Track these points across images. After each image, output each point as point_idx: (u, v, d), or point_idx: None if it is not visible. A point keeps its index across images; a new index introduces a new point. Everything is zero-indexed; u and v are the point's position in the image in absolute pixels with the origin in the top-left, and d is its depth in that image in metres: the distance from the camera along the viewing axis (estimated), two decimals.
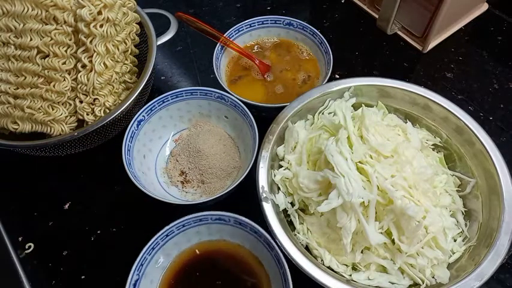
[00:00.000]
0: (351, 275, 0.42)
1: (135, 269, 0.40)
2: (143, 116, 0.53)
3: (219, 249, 0.45)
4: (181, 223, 0.42)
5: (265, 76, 0.62)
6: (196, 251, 0.45)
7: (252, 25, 0.64)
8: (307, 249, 0.44)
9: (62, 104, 0.50)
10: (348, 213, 0.40)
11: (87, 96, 0.51)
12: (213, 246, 0.45)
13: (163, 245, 0.42)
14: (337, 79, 0.52)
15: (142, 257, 0.40)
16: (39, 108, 0.49)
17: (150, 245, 0.41)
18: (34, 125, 0.50)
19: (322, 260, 0.43)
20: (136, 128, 0.52)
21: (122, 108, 0.51)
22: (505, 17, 0.72)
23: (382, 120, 0.49)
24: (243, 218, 0.42)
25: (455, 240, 0.45)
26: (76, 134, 0.49)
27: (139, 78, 0.53)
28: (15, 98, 0.50)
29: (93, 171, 0.58)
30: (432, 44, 0.68)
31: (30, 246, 0.52)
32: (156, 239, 0.41)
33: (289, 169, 0.47)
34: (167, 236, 0.42)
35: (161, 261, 0.43)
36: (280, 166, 0.48)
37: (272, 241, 0.40)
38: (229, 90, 0.55)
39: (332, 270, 0.42)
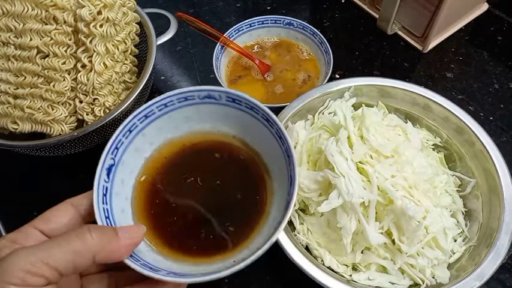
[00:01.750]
0: (351, 275, 0.42)
1: (108, 151, 0.32)
2: None
3: (213, 141, 0.37)
4: (163, 101, 0.35)
5: (265, 76, 0.62)
6: (186, 143, 0.37)
7: (252, 25, 0.64)
8: (307, 250, 0.44)
9: (62, 104, 0.50)
10: (348, 214, 0.40)
11: (86, 96, 0.51)
12: (206, 137, 0.37)
13: (143, 128, 0.34)
14: (337, 79, 0.52)
15: (116, 138, 0.33)
16: (39, 108, 0.49)
17: (126, 126, 0.33)
18: (34, 125, 0.50)
19: (322, 261, 0.43)
20: None
21: (122, 108, 0.51)
22: (505, 17, 0.72)
23: (383, 120, 0.49)
24: (237, 92, 0.35)
25: (455, 241, 0.45)
26: (76, 134, 0.49)
27: (139, 78, 0.53)
28: (15, 98, 0.50)
29: (93, 171, 0.58)
30: (432, 44, 0.68)
31: None
32: (132, 118, 0.33)
33: None
34: (146, 117, 0.34)
35: (143, 148, 0.35)
36: None
37: (272, 116, 0.33)
38: None
39: (332, 270, 0.42)
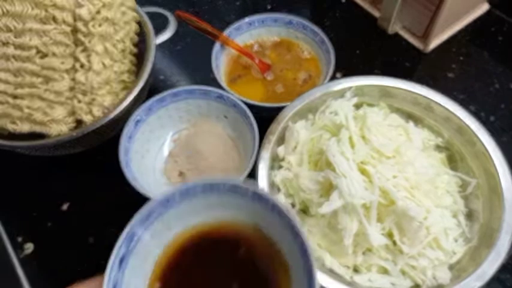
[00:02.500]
0: (352, 277, 0.42)
1: (124, 240, 0.29)
2: (141, 116, 0.53)
3: (233, 230, 0.35)
4: (185, 188, 0.32)
5: (265, 75, 0.62)
6: (205, 230, 0.35)
7: (252, 24, 0.63)
8: None
9: (61, 104, 0.50)
10: (350, 215, 0.40)
11: (85, 95, 0.50)
12: (225, 226, 0.35)
13: (161, 213, 0.32)
14: (338, 78, 0.52)
15: (133, 225, 0.30)
16: (37, 108, 0.49)
17: (145, 213, 0.30)
18: (33, 125, 0.50)
19: (323, 262, 0.43)
20: (134, 128, 0.52)
21: (121, 108, 0.51)
22: (506, 17, 0.72)
23: (384, 120, 0.49)
24: (264, 193, 0.33)
25: (456, 241, 0.44)
26: (75, 134, 0.49)
27: (138, 78, 0.53)
28: (14, 98, 0.49)
29: (92, 171, 0.58)
30: (433, 44, 0.68)
31: (29, 247, 0.52)
32: (152, 204, 0.31)
33: (289, 170, 0.47)
34: (168, 201, 0.32)
35: (160, 234, 0.33)
36: (281, 167, 0.48)
37: (297, 225, 0.31)
38: (228, 90, 0.54)
39: (333, 272, 0.42)
